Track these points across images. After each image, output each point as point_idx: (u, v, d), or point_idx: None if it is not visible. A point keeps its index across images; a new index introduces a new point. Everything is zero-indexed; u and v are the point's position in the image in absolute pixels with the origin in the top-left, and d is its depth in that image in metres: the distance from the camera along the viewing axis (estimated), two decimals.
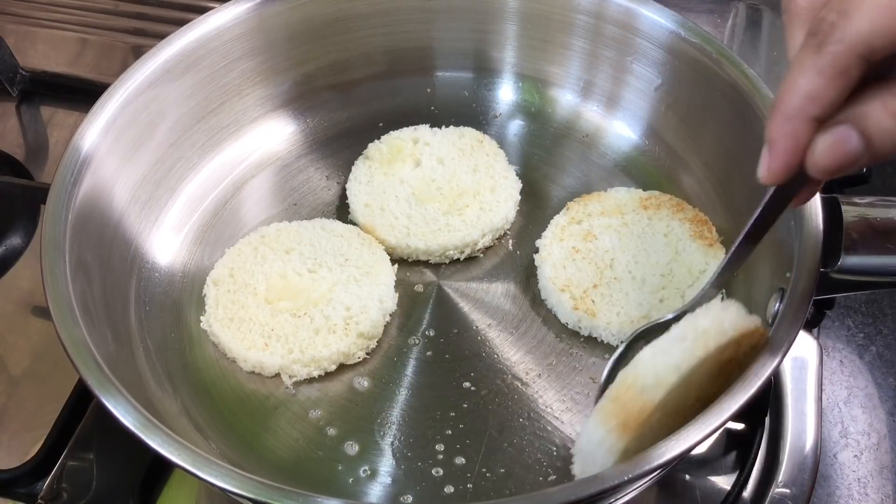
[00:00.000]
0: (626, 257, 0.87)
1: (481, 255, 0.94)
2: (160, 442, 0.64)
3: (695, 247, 0.87)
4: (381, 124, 1.03)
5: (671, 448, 0.63)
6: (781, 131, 0.52)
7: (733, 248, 0.68)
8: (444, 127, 1.01)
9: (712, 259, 0.85)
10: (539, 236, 0.92)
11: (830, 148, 0.52)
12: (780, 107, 0.52)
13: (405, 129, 1.01)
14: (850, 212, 0.74)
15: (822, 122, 0.52)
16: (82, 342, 0.70)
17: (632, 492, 0.77)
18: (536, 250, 0.91)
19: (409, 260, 0.93)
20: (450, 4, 1.01)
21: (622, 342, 0.77)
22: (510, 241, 0.95)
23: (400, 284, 0.90)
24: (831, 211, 0.75)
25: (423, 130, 1.01)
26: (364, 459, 0.79)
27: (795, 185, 0.57)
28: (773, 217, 0.63)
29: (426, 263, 0.93)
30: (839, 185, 1.02)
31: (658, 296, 0.84)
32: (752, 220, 0.64)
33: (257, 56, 0.98)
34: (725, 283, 0.74)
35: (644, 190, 0.95)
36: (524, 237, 0.95)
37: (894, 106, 0.50)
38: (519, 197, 0.96)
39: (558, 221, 0.92)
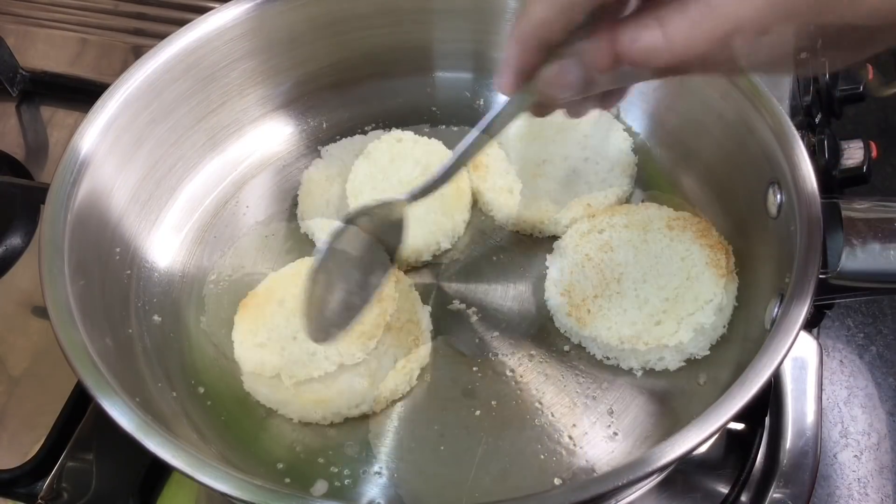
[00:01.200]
0: (635, 274, 0.86)
1: (483, 256, 0.94)
2: (157, 444, 0.64)
3: (707, 274, 0.85)
4: (381, 124, 1.03)
5: (671, 450, 0.63)
6: (513, 52, 0.60)
7: (471, 138, 0.70)
8: (444, 127, 1.01)
9: (721, 290, 0.83)
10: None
11: (555, 76, 0.60)
12: (515, 30, 0.59)
13: (406, 129, 1.01)
14: (850, 216, 0.74)
15: (551, 50, 0.59)
16: (80, 343, 0.70)
17: (632, 494, 0.77)
18: (551, 250, 0.91)
19: (407, 264, 0.92)
20: (450, 5, 1.01)
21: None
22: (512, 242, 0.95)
23: (399, 285, 0.90)
24: (831, 215, 0.75)
25: (424, 131, 1.00)
26: (363, 460, 0.79)
27: (528, 98, 0.64)
28: (510, 118, 0.67)
29: (426, 264, 0.93)
30: (839, 184, 1.01)
31: (655, 318, 0.83)
32: (490, 117, 0.67)
33: (258, 56, 0.98)
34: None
35: (644, 191, 0.95)
36: (524, 238, 0.95)
37: (608, 47, 0.55)
38: (520, 197, 0.96)
39: (580, 227, 0.91)
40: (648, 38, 0.54)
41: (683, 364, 0.83)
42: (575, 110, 0.69)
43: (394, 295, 0.86)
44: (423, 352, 0.84)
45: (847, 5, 0.50)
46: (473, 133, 0.69)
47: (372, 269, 0.78)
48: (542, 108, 0.66)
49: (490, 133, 0.69)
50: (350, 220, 0.75)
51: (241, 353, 0.83)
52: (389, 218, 0.76)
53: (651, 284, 0.85)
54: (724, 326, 0.83)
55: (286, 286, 0.86)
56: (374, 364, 0.82)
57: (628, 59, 0.55)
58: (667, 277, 0.86)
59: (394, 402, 0.82)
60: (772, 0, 0.50)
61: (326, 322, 0.75)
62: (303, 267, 0.88)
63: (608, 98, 0.69)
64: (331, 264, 0.75)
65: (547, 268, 0.90)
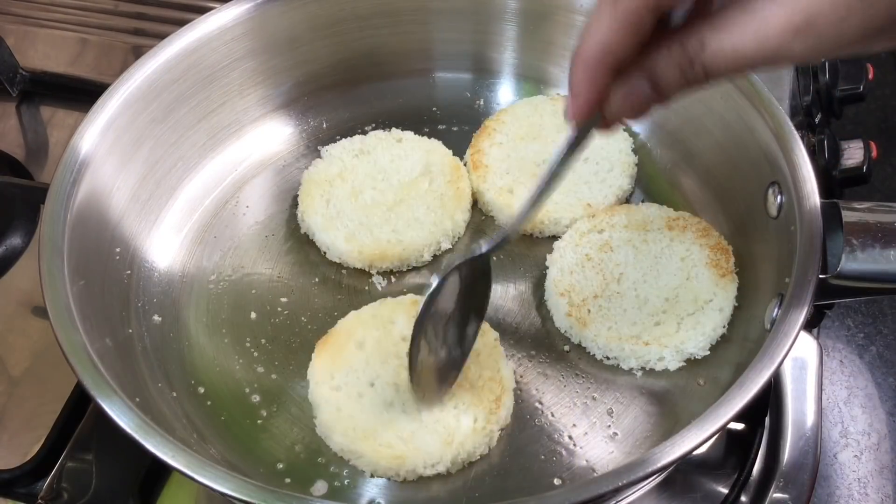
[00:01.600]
0: (636, 274, 0.86)
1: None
2: (156, 444, 0.64)
3: (707, 275, 0.85)
4: (381, 124, 1.03)
5: (671, 451, 0.63)
6: (582, 78, 0.57)
7: (544, 180, 0.70)
8: (444, 127, 1.01)
9: (721, 290, 0.84)
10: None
11: (625, 97, 0.58)
12: (580, 56, 0.57)
13: (406, 129, 1.01)
14: (849, 217, 0.74)
15: (619, 70, 0.57)
16: (80, 343, 0.70)
17: (631, 494, 0.77)
18: (551, 250, 0.91)
19: (408, 264, 0.92)
20: (450, 5, 1.01)
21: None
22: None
23: (398, 285, 0.91)
24: (831, 216, 0.75)
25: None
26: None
27: (595, 122, 0.62)
28: (577, 150, 0.66)
29: (426, 264, 0.93)
30: (839, 185, 1.01)
31: (655, 318, 0.83)
32: (561, 155, 0.66)
33: (258, 56, 0.98)
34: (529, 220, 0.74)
35: (642, 193, 0.95)
36: (524, 238, 0.95)
37: (681, 57, 0.54)
38: (520, 197, 0.96)
39: (580, 227, 0.91)
40: (738, 37, 0.52)
41: (683, 364, 0.83)
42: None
43: (478, 349, 0.81)
44: (504, 413, 0.79)
45: None
46: (546, 175, 0.69)
47: (467, 321, 0.78)
48: (608, 128, 0.63)
49: (560, 172, 0.68)
50: (444, 277, 0.73)
51: (317, 396, 0.80)
52: (476, 270, 0.76)
53: (651, 284, 0.85)
54: (724, 327, 0.83)
55: (366, 328, 0.83)
56: (452, 423, 0.77)
57: (713, 64, 0.54)
58: (667, 278, 0.86)
59: (471, 463, 0.78)
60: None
61: (431, 382, 0.76)
62: (384, 310, 0.85)
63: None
64: (427, 321, 0.74)
65: (547, 268, 0.90)
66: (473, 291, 0.77)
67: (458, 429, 0.77)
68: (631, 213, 0.91)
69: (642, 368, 0.83)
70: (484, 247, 0.75)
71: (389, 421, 0.77)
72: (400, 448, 0.76)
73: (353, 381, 0.80)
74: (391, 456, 0.75)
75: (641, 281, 0.86)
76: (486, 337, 0.83)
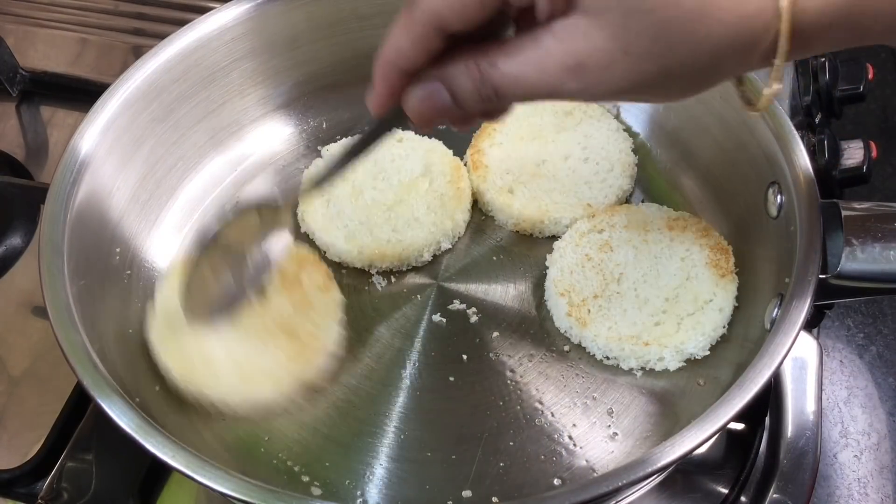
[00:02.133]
0: (636, 274, 0.86)
1: (483, 256, 0.94)
2: (157, 444, 0.64)
3: (707, 275, 0.85)
4: None
5: (671, 451, 0.63)
6: (378, 75, 0.60)
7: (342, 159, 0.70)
8: (444, 127, 1.01)
9: (721, 290, 0.84)
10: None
11: (421, 99, 0.59)
12: (379, 55, 0.59)
13: (406, 129, 1.01)
14: (850, 217, 0.74)
15: (413, 73, 0.58)
16: (80, 343, 0.70)
17: (632, 494, 0.77)
18: (551, 250, 0.91)
19: (408, 263, 0.92)
20: None
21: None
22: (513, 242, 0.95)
23: (398, 285, 0.91)
24: (831, 216, 0.75)
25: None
26: (362, 461, 0.79)
27: (400, 117, 0.62)
28: (376, 139, 0.68)
29: (426, 264, 0.93)
30: (839, 184, 1.01)
31: (655, 319, 0.83)
32: (361, 139, 0.68)
33: (258, 56, 0.98)
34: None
35: (642, 193, 0.95)
36: (524, 238, 0.95)
37: (475, 72, 0.56)
38: (520, 197, 0.96)
39: (580, 227, 0.91)
40: (523, 65, 0.55)
41: (683, 364, 0.83)
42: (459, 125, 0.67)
43: (316, 306, 0.85)
44: (314, 370, 0.82)
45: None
46: (343, 157, 0.70)
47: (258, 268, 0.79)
48: (423, 127, 0.64)
49: (360, 152, 0.69)
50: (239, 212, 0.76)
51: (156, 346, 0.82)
52: (274, 221, 0.78)
53: (651, 285, 0.85)
54: (724, 326, 0.83)
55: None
56: (275, 367, 0.81)
57: (501, 86, 0.56)
58: (667, 278, 0.86)
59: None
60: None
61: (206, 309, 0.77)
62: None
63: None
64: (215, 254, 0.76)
65: (547, 268, 0.90)
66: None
67: (279, 370, 0.80)
68: (631, 213, 0.91)
69: (642, 368, 0.83)
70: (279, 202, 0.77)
71: (228, 361, 0.80)
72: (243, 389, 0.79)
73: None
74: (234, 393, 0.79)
75: (641, 281, 0.86)
76: (332, 294, 0.87)
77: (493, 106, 0.59)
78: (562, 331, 0.86)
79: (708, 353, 0.83)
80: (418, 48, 0.57)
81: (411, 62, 0.58)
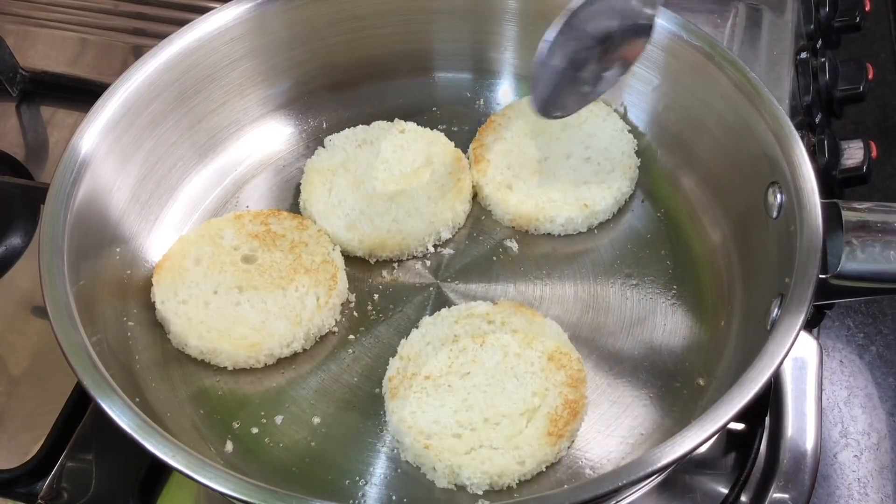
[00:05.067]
0: (482, 380, 0.80)
1: (483, 255, 0.94)
2: (156, 444, 0.64)
3: (543, 426, 0.77)
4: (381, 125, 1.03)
5: (671, 451, 0.63)
6: None
7: None
8: (444, 127, 1.02)
9: (536, 447, 0.76)
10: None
11: None
12: None
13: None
14: (850, 217, 0.74)
15: None
16: (80, 343, 0.70)
17: (632, 494, 0.77)
18: (553, 250, 0.91)
19: (408, 253, 0.93)
20: (450, 5, 1.01)
21: None
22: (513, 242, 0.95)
23: (399, 284, 0.91)
24: (831, 216, 0.75)
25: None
26: (362, 461, 0.79)
27: None
28: None
29: (426, 256, 0.93)
30: (839, 185, 1.01)
31: (462, 428, 0.77)
32: None
33: (257, 56, 0.98)
34: None
35: (643, 194, 0.95)
36: (525, 238, 0.95)
37: None
38: (518, 194, 0.96)
39: (478, 308, 0.85)
40: None
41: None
42: None
43: (305, 241, 0.90)
44: (342, 286, 0.88)
45: None
46: None
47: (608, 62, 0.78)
48: None
49: None
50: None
51: (165, 313, 0.85)
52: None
53: (485, 397, 0.79)
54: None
55: (199, 246, 0.90)
56: (297, 305, 0.85)
57: None
58: (505, 401, 0.79)
59: (321, 337, 0.86)
60: None
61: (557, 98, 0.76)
62: (209, 228, 0.91)
63: None
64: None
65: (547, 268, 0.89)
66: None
67: (303, 309, 0.85)
68: (535, 322, 0.84)
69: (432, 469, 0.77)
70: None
71: (239, 317, 0.85)
72: (254, 337, 0.83)
73: (198, 293, 0.86)
74: (247, 345, 0.83)
75: (480, 389, 0.80)
76: (310, 230, 0.91)
77: None
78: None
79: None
80: None
81: None
